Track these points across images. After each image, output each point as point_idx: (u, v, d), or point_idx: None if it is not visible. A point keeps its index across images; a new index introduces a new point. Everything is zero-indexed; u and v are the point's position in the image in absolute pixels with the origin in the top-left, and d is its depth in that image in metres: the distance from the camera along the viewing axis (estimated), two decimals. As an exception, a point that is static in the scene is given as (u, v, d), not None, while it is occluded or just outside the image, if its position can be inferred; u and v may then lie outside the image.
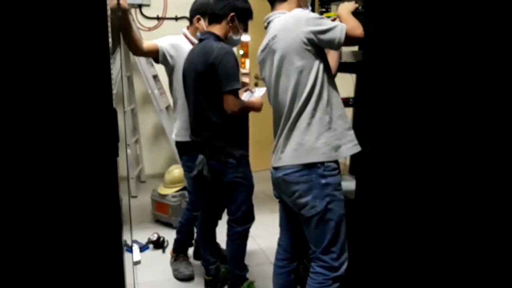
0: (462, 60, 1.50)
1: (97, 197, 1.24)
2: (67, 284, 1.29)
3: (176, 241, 2.66)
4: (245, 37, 2.28)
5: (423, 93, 1.65)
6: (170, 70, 2.38)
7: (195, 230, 2.64)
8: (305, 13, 1.64)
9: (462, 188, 1.56)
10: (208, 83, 1.99)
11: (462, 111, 1.52)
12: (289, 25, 1.63)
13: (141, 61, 3.82)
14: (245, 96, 2.27)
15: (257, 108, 2.19)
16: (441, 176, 1.62)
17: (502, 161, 1.45)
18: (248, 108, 2.13)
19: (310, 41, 1.60)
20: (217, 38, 2.06)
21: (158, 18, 4.23)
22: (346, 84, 2.16)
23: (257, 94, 2.28)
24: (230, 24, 2.08)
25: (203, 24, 2.31)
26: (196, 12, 2.35)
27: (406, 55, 1.68)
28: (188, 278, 2.57)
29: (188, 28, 2.46)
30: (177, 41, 2.37)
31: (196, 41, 2.39)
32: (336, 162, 1.69)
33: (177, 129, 2.43)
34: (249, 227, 2.23)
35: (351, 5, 1.78)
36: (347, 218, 1.73)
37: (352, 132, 1.71)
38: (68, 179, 1.19)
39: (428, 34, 1.60)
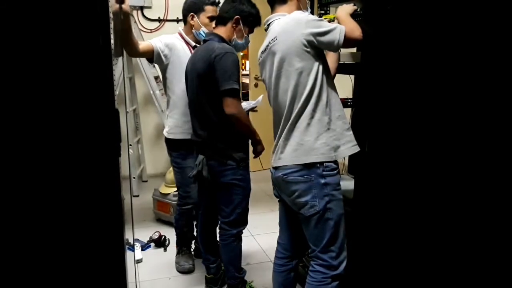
0: (460, 61, 1.52)
1: (99, 196, 1.26)
2: (70, 282, 1.31)
3: (176, 235, 2.74)
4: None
5: (420, 94, 1.67)
6: (163, 69, 2.42)
7: (194, 224, 2.68)
8: (305, 15, 1.66)
9: (460, 187, 1.58)
10: (209, 83, 2.00)
11: (460, 112, 1.54)
12: (289, 27, 1.66)
13: (143, 62, 3.84)
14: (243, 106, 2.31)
15: (258, 142, 2.16)
16: (438, 176, 1.64)
17: (500, 159, 1.47)
18: (250, 129, 2.09)
19: (309, 43, 1.62)
20: (221, 39, 2.08)
21: (159, 20, 4.26)
22: (345, 85, 2.18)
23: (256, 101, 2.34)
24: (235, 27, 2.09)
25: (197, 21, 2.35)
26: (188, 10, 2.39)
27: (404, 57, 1.70)
28: (188, 272, 2.64)
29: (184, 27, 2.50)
30: (171, 40, 2.40)
31: (190, 40, 2.44)
32: (335, 162, 1.71)
33: (169, 127, 2.47)
34: (242, 230, 2.25)
35: (350, 7, 1.80)
36: (346, 217, 1.75)
37: (351, 132, 1.74)
38: (71, 178, 1.22)
39: (426, 36, 1.62)
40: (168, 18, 4.27)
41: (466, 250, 1.59)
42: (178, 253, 2.74)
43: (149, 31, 4.22)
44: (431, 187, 1.67)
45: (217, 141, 2.08)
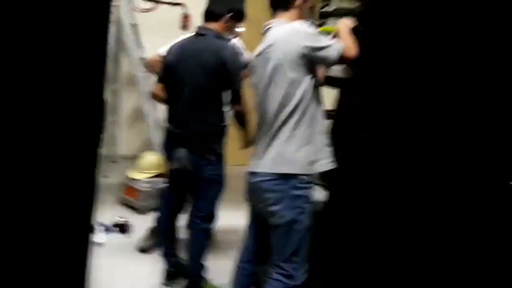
0: (452, 73, 1.51)
1: (74, 185, 1.22)
2: (28, 259, 1.27)
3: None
4: (240, 29, 2.34)
5: (407, 104, 1.67)
6: None
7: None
8: (304, 28, 1.67)
9: (441, 203, 1.55)
10: (218, 80, 2.02)
11: (450, 124, 1.51)
12: (287, 37, 1.66)
13: (130, 42, 3.74)
14: None
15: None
16: (417, 189, 1.62)
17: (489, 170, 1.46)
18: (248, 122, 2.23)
19: (305, 56, 1.63)
20: (218, 36, 2.09)
21: (156, 1, 4.15)
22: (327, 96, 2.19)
23: None
24: (226, 24, 2.10)
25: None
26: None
27: (384, 72, 1.74)
28: (147, 250, 2.72)
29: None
30: None
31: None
32: (310, 175, 1.74)
33: None
34: (214, 225, 2.27)
35: (351, 22, 1.82)
36: (314, 229, 1.77)
37: (329, 148, 1.77)
38: (49, 166, 1.17)
39: (423, 45, 1.62)
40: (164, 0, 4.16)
41: (457, 256, 1.56)
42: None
43: (145, 10, 4.10)
44: (411, 201, 1.66)
45: (204, 135, 2.08)
